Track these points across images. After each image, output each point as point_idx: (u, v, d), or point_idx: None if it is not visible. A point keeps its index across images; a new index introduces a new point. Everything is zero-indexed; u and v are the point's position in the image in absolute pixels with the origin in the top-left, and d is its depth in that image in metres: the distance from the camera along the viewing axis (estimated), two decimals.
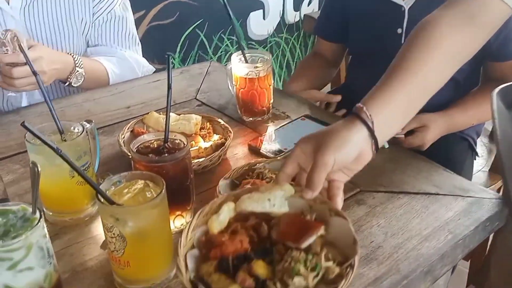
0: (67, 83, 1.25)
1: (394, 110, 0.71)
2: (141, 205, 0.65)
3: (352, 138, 0.67)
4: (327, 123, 1.12)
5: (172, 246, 0.71)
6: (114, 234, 0.64)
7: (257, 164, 0.91)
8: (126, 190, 0.67)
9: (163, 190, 0.65)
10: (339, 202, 0.66)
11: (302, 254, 0.56)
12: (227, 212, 0.62)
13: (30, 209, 0.60)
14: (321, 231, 0.59)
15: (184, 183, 0.77)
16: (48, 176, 0.75)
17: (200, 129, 1.04)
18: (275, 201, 0.62)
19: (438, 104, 1.19)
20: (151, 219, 0.65)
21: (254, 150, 1.04)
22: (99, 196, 0.63)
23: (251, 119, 1.16)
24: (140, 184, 0.68)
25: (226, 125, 1.05)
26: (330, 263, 0.56)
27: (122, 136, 1.00)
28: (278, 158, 0.98)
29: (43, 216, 0.60)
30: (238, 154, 1.04)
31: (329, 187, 0.68)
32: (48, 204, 0.81)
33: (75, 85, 1.27)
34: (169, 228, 0.71)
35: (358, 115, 0.68)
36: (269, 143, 1.06)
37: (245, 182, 0.84)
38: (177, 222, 0.79)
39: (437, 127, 1.18)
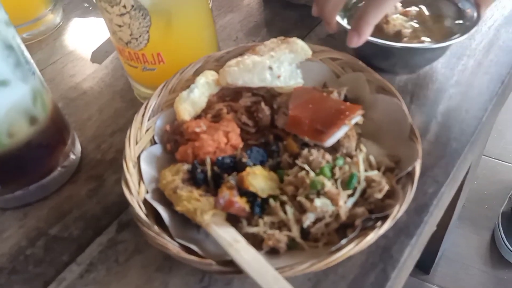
0: None
1: None
2: None
3: None
4: None
5: (215, 33, 0.46)
6: (125, 7, 0.37)
7: None
8: None
9: None
10: None
11: (326, 156, 0.32)
12: (204, 87, 0.36)
13: None
14: (357, 117, 0.34)
15: None
16: None
17: None
18: (281, 69, 0.36)
19: None
20: None
21: None
22: None
23: None
24: None
25: None
26: (374, 173, 0.31)
27: None
28: None
29: None
30: None
31: None
32: None
33: None
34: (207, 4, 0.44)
35: None
36: None
37: None
38: None
39: None
